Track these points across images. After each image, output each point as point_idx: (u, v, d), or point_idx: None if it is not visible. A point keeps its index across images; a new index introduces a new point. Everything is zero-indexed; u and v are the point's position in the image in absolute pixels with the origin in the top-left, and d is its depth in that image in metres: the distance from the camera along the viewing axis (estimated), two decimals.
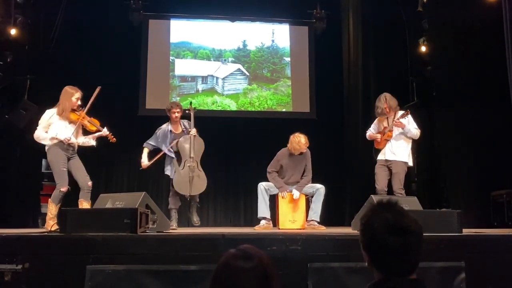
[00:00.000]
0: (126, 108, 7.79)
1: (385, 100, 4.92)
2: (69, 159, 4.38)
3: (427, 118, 7.11)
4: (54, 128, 4.38)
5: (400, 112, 4.92)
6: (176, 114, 5.17)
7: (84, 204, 4.30)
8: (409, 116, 4.88)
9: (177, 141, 5.14)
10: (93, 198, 4.28)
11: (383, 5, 7.60)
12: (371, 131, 5.12)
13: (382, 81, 7.45)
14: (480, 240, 3.16)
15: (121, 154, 7.85)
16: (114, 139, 4.67)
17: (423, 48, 7.27)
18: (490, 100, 6.02)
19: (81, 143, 4.58)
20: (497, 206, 5.87)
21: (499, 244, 3.05)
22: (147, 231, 3.28)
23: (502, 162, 5.86)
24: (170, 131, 5.21)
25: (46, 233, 3.23)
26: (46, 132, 4.37)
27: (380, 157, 4.95)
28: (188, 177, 5.02)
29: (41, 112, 4.56)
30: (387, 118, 4.98)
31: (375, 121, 5.15)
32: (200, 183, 5.12)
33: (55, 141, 4.32)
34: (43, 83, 6.65)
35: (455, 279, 2.81)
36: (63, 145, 4.33)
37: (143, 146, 5.28)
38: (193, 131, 5.14)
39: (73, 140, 4.40)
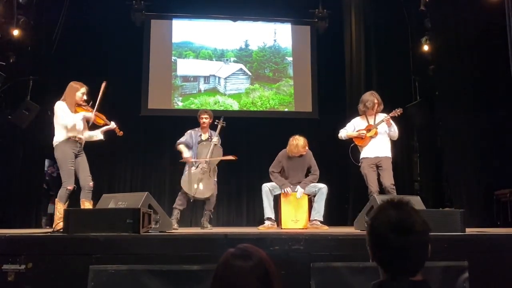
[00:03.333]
0: (129, 108, 7.79)
1: (375, 95, 4.92)
2: (76, 156, 4.38)
3: (429, 117, 7.11)
4: None
5: (382, 115, 4.88)
6: (204, 120, 5.37)
7: (86, 204, 4.30)
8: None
9: (198, 145, 5.28)
10: (96, 198, 4.28)
11: (385, 4, 7.60)
12: (347, 131, 5.02)
13: (384, 80, 7.45)
14: (484, 239, 3.14)
15: (124, 154, 7.89)
16: (121, 132, 4.72)
17: (426, 47, 7.26)
18: (493, 98, 6.00)
19: (87, 137, 4.58)
20: (501, 205, 5.85)
21: (503, 243, 3.04)
22: (149, 231, 3.28)
23: (505, 161, 5.84)
24: (200, 135, 5.40)
25: (49, 233, 3.24)
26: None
27: (366, 155, 4.86)
28: (197, 178, 5.12)
29: (43, 112, 4.55)
30: (366, 117, 4.95)
31: (354, 121, 5.06)
32: (206, 188, 5.17)
33: (71, 133, 4.30)
34: (45, 83, 6.67)
35: (458, 279, 2.80)
36: (71, 142, 4.33)
37: (177, 143, 5.34)
38: (215, 139, 5.32)
39: (84, 134, 4.45)
